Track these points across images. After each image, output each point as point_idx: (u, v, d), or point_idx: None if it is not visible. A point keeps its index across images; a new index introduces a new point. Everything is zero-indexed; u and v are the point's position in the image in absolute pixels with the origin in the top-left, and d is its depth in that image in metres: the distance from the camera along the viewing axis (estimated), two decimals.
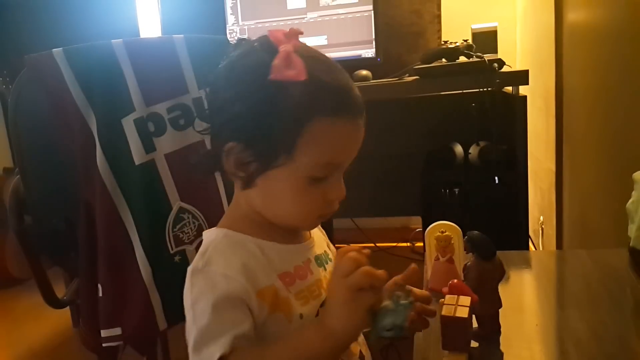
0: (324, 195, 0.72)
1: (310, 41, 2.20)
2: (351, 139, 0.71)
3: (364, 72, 2.05)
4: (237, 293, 0.68)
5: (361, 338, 0.80)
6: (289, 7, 2.21)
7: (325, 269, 0.80)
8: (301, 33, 0.71)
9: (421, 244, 2.59)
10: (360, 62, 2.15)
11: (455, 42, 1.82)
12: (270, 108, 0.67)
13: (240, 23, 2.27)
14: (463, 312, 0.66)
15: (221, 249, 0.73)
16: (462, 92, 1.95)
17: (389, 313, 0.64)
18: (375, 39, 2.15)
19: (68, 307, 1.39)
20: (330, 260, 0.84)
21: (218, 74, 0.73)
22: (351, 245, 0.70)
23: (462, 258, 0.88)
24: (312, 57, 0.70)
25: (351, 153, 0.73)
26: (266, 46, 0.69)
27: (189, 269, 0.72)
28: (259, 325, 0.69)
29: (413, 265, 0.72)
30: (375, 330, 0.64)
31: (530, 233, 2.03)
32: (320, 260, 0.80)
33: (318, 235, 0.85)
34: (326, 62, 0.72)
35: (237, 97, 0.69)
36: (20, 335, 2.21)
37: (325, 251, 0.84)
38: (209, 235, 0.76)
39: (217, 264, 0.70)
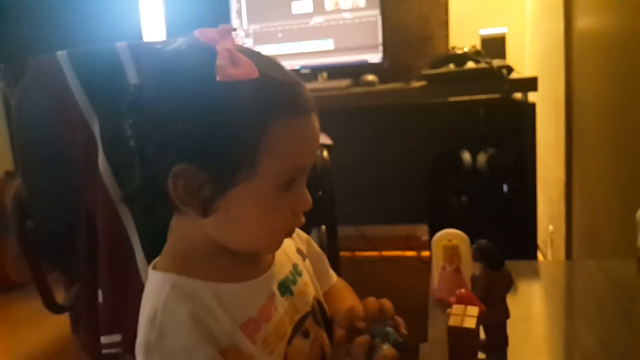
0: (291, 208, 0.66)
1: (316, 45, 2.20)
2: (311, 137, 0.65)
3: (371, 77, 2.05)
4: None
5: None
6: (294, 12, 2.22)
7: (292, 294, 0.72)
8: (234, 29, 0.64)
9: (428, 253, 2.58)
10: (366, 67, 2.16)
11: (464, 48, 1.82)
12: (222, 117, 0.59)
13: (245, 27, 2.28)
14: (470, 323, 0.65)
15: (172, 310, 0.62)
16: (470, 99, 1.94)
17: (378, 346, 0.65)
18: (382, 44, 2.15)
19: (67, 313, 1.38)
20: (299, 275, 0.76)
21: (141, 88, 0.63)
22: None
23: (469, 267, 0.87)
24: (255, 54, 0.63)
25: (313, 153, 0.66)
26: (198, 47, 0.62)
27: (140, 343, 0.62)
28: None
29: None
30: None
31: (539, 243, 2.01)
32: (285, 287, 0.72)
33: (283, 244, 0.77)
34: (270, 59, 0.65)
35: (177, 109, 0.59)
36: (19, 341, 2.21)
37: (293, 265, 0.76)
38: (154, 285, 0.66)
39: (173, 334, 0.60)
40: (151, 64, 0.64)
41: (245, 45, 0.67)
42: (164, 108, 0.60)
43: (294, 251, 0.79)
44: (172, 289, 0.63)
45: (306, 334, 0.72)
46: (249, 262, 0.70)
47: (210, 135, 0.59)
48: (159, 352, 0.60)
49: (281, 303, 0.70)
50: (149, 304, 0.64)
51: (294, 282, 0.74)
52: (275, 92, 0.61)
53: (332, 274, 0.88)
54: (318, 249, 0.87)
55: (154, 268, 0.69)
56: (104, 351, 1.18)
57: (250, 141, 0.59)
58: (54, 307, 1.31)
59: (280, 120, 0.60)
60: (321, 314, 0.77)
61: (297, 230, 0.81)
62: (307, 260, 0.81)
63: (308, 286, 0.77)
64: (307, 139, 0.64)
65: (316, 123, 0.65)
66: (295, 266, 0.76)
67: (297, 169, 0.64)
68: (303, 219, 0.68)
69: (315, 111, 0.65)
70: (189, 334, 0.60)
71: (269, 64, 0.63)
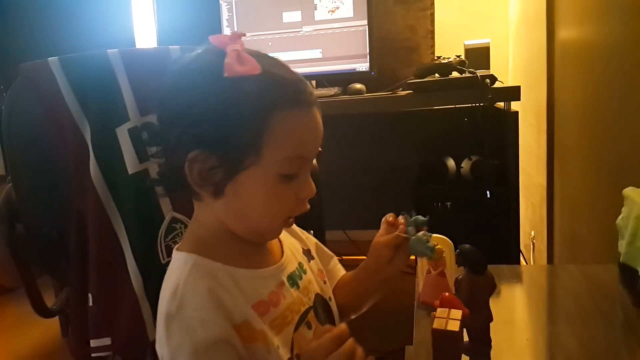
0: (295, 194, 0.72)
1: (305, 54, 2.22)
2: (313, 130, 0.72)
3: (358, 86, 2.06)
4: (217, 337, 0.66)
5: None
6: (284, 21, 2.23)
7: (298, 287, 0.79)
8: (244, 35, 0.71)
9: (413, 257, 2.59)
10: (354, 76, 2.17)
11: (448, 58, 1.84)
12: (229, 107, 0.66)
13: None
14: (454, 326, 0.66)
15: (192, 285, 0.69)
16: (455, 107, 1.96)
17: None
18: (370, 53, 2.17)
19: (57, 317, 1.37)
20: (304, 272, 0.82)
21: (166, 86, 0.71)
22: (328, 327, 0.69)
23: (453, 271, 0.88)
24: (261, 55, 0.71)
25: (316, 146, 0.73)
26: (211, 50, 0.70)
27: (162, 312, 0.68)
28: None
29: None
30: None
31: (522, 248, 2.03)
32: (293, 280, 0.79)
33: (289, 244, 0.84)
34: (275, 59, 0.73)
35: (192, 101, 0.67)
36: (8, 345, 2.18)
37: (298, 263, 0.83)
38: (177, 263, 0.73)
39: (191, 306, 0.67)
40: (174, 67, 0.72)
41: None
42: (180, 100, 0.68)
43: (300, 252, 0.86)
44: (193, 266, 0.71)
45: (309, 325, 0.78)
46: (260, 253, 0.77)
47: (219, 124, 0.66)
48: (178, 321, 0.66)
49: (290, 293, 0.76)
50: (172, 279, 0.70)
51: (300, 278, 0.80)
52: (277, 86, 0.68)
53: (341, 267, 0.96)
54: (329, 251, 0.95)
55: (177, 249, 0.75)
56: (93, 354, 1.17)
57: (254, 129, 0.66)
58: (43, 311, 1.30)
59: (281, 111, 0.67)
60: (324, 312, 0.83)
61: (306, 234, 0.90)
62: (312, 262, 0.87)
63: (311, 284, 0.83)
64: (308, 130, 0.71)
65: (318, 116, 0.72)
66: (300, 264, 0.83)
67: (299, 158, 0.70)
68: (307, 206, 0.74)
69: (318, 106, 0.72)
70: (207, 306, 0.67)
71: (274, 63, 0.71)
